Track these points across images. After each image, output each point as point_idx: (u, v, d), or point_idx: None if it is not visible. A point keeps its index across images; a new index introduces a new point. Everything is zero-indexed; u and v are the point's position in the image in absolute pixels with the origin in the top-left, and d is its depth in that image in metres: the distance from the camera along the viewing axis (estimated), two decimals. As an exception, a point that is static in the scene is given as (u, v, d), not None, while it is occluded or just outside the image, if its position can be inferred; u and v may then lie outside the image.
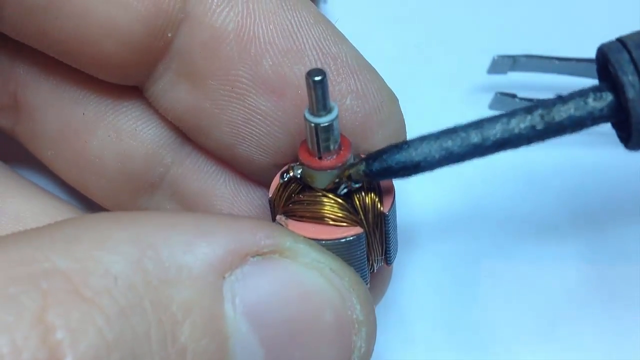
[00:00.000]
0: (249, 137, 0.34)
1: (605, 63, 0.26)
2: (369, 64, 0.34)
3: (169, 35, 0.33)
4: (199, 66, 0.33)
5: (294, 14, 0.33)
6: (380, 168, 0.27)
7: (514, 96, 0.45)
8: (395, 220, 0.33)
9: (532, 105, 0.26)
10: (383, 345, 0.41)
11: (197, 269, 0.25)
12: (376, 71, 0.34)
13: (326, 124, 0.28)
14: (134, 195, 0.38)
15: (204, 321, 0.25)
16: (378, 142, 0.33)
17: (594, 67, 0.45)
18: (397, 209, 0.32)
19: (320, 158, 0.29)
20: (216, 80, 0.33)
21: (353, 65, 0.33)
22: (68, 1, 0.31)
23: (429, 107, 0.47)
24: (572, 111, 0.25)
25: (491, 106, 0.46)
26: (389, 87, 0.34)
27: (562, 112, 0.25)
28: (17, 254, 0.23)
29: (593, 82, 0.45)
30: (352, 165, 0.28)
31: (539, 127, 0.26)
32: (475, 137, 0.26)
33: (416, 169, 0.27)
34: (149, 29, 0.32)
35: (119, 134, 0.37)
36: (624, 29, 0.47)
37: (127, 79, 0.35)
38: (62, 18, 0.32)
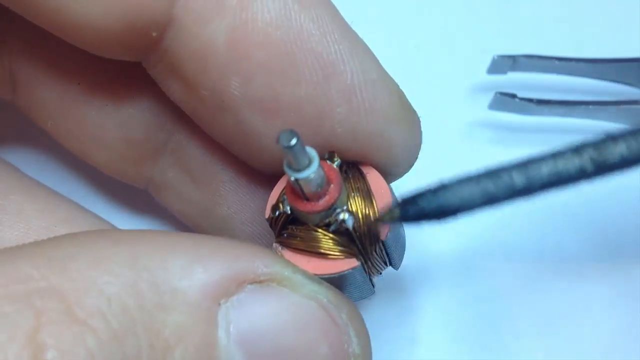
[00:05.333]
0: (242, 145, 0.33)
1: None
2: (384, 77, 0.32)
3: (154, 34, 0.30)
4: (188, 73, 0.31)
5: (296, 27, 0.30)
6: (415, 213, 0.25)
7: (514, 96, 0.45)
8: (397, 236, 0.31)
9: (580, 146, 0.24)
10: (384, 345, 0.41)
11: (193, 295, 0.25)
12: (392, 85, 0.32)
13: (305, 178, 0.27)
14: (137, 163, 0.38)
15: (197, 348, 0.24)
16: (377, 165, 0.32)
17: (593, 67, 0.45)
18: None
19: (307, 200, 0.28)
20: (205, 90, 0.31)
21: (359, 84, 0.30)
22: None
23: (429, 107, 0.46)
24: (624, 152, 0.24)
25: (491, 106, 0.45)
26: (405, 105, 0.32)
27: (614, 154, 0.24)
28: (13, 271, 0.23)
29: (593, 82, 0.46)
30: (387, 210, 0.26)
31: (589, 169, 0.24)
32: (520, 182, 0.24)
33: (454, 214, 0.25)
34: (129, 29, 0.30)
35: (117, 101, 0.36)
36: (623, 29, 0.47)
37: (120, 58, 0.33)
38: (36, 10, 0.30)
